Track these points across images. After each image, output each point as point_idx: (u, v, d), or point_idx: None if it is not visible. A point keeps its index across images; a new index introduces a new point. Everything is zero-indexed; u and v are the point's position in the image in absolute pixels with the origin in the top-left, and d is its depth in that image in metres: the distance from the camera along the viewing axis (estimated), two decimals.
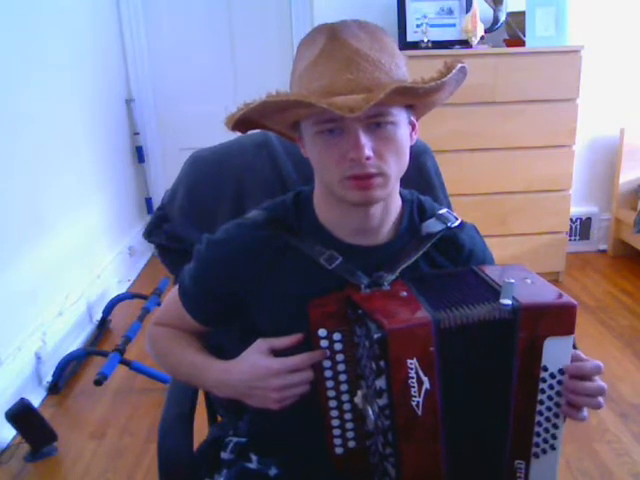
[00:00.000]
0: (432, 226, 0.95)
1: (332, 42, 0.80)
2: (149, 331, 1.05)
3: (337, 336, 0.85)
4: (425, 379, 0.77)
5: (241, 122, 0.85)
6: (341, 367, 0.86)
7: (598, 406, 0.83)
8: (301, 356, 0.85)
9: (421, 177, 1.17)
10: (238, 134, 0.93)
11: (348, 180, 0.81)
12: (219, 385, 0.92)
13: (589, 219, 3.64)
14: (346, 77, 0.77)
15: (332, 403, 0.87)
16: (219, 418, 1.30)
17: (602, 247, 3.68)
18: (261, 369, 0.86)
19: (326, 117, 0.79)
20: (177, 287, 1.02)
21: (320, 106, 0.74)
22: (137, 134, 3.74)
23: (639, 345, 2.56)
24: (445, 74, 0.78)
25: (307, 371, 0.85)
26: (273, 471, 1.01)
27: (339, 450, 0.89)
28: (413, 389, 0.76)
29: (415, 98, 0.81)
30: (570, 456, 1.86)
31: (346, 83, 0.76)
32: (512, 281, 0.80)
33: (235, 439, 1.08)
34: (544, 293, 0.85)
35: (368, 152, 0.79)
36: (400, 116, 0.83)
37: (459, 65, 0.80)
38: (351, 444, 0.89)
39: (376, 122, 0.80)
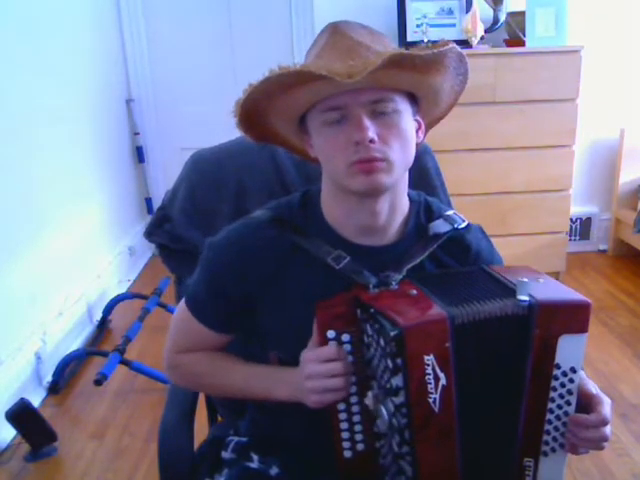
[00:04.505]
0: (439, 227, 0.95)
1: (334, 36, 0.83)
2: (170, 361, 1.02)
3: (346, 337, 0.84)
4: (442, 375, 0.76)
5: (249, 117, 0.85)
6: (350, 368, 0.85)
7: (600, 449, 0.84)
8: (331, 346, 0.83)
9: (422, 177, 1.17)
10: (239, 134, 0.93)
11: (354, 165, 0.81)
12: (293, 390, 0.89)
13: (589, 219, 3.64)
14: (347, 63, 0.77)
15: (340, 406, 0.86)
16: (219, 418, 1.30)
17: (602, 247, 3.68)
18: (302, 361, 0.86)
19: (331, 104, 0.80)
20: (180, 311, 0.99)
21: (319, 73, 0.74)
22: (137, 134, 3.74)
23: (639, 345, 2.56)
24: (441, 47, 0.78)
25: (338, 362, 0.83)
26: (274, 471, 1.01)
27: (348, 454, 0.87)
28: (430, 386, 0.76)
29: (415, 72, 0.80)
30: (570, 456, 1.84)
31: (348, 68, 0.76)
32: (525, 280, 0.81)
33: (236, 439, 1.08)
34: (558, 291, 0.85)
35: (371, 134, 0.79)
36: (403, 105, 0.84)
37: (456, 47, 0.80)
38: (360, 447, 0.87)
39: (380, 110, 0.81)
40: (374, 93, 0.80)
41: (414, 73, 0.81)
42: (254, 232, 0.93)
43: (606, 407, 0.83)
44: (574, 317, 0.81)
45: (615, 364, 2.41)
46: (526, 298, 0.80)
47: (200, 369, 1.00)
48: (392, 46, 0.86)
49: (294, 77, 0.77)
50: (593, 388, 0.85)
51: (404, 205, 0.94)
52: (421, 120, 0.90)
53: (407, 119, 0.85)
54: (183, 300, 0.99)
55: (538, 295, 0.81)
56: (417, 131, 0.88)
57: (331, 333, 0.84)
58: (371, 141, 0.80)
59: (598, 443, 0.83)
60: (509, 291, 0.82)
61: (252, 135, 0.89)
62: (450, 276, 0.92)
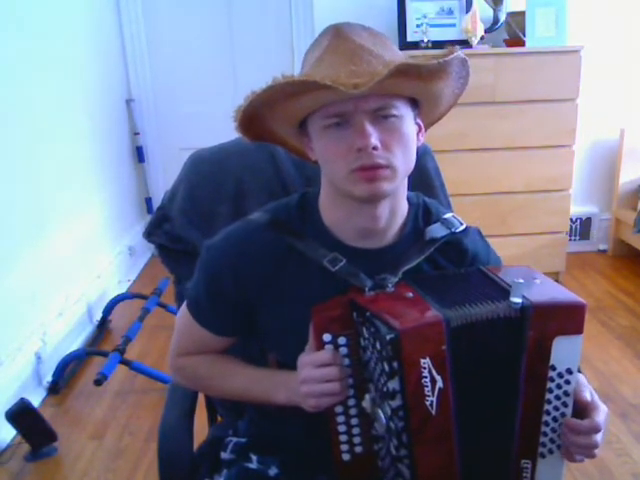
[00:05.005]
0: (436, 231, 0.94)
1: (337, 39, 0.82)
2: (173, 364, 1.03)
3: (342, 340, 0.84)
4: (438, 378, 0.76)
5: (249, 121, 0.84)
6: (347, 371, 0.85)
7: (591, 457, 0.84)
8: (326, 351, 0.83)
9: (421, 178, 1.17)
10: (239, 134, 0.92)
11: (355, 172, 0.81)
12: (291, 394, 0.89)
13: (589, 219, 3.64)
14: (350, 68, 0.77)
15: (338, 409, 0.86)
16: (219, 418, 1.30)
17: (602, 247, 3.68)
18: (299, 365, 0.86)
19: (333, 110, 0.80)
20: (182, 314, 1.00)
21: (324, 84, 0.73)
22: (137, 134, 3.74)
23: (639, 345, 2.56)
24: (447, 55, 0.79)
25: (333, 367, 0.83)
26: (273, 471, 1.01)
27: (346, 456, 0.87)
28: (427, 388, 0.76)
29: (419, 80, 0.80)
30: None
31: (350, 73, 0.76)
32: (521, 281, 0.80)
33: (235, 439, 1.08)
34: (553, 293, 0.85)
35: (375, 141, 0.79)
36: (404, 110, 0.83)
37: (460, 53, 0.80)
38: (358, 449, 0.87)
39: (382, 115, 0.81)
40: (377, 100, 0.80)
41: (419, 81, 0.81)
42: (251, 235, 0.92)
43: (600, 415, 0.83)
44: (569, 318, 0.80)
45: (615, 364, 2.41)
46: (519, 300, 0.79)
47: (201, 372, 1.00)
48: (395, 50, 0.85)
49: (298, 86, 0.77)
50: (589, 394, 0.85)
51: (403, 208, 0.94)
52: (421, 123, 0.90)
53: (409, 123, 0.84)
54: (185, 303, 0.99)
55: (533, 296, 0.80)
56: (417, 134, 0.88)
57: (327, 336, 0.84)
58: (374, 148, 0.79)
59: (588, 450, 0.83)
60: (504, 293, 0.82)
61: (249, 136, 0.89)
62: (446, 278, 0.92)
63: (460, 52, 0.81)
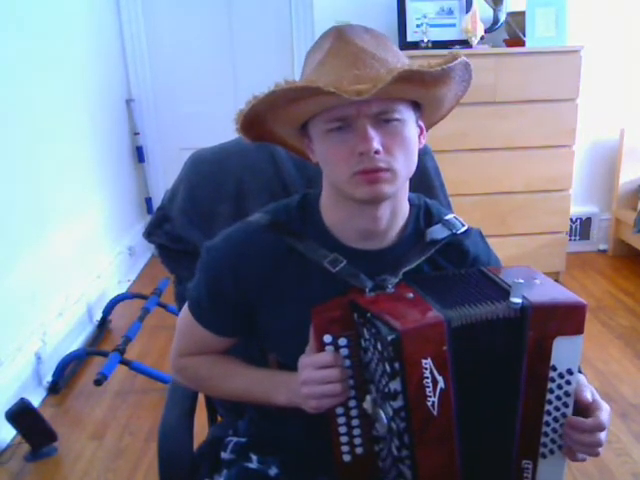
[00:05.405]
0: (437, 232, 0.94)
1: (339, 42, 0.81)
2: (175, 365, 1.03)
3: (343, 341, 0.84)
4: (440, 378, 0.76)
5: (250, 123, 0.84)
6: (348, 372, 0.85)
7: (595, 455, 0.84)
8: (327, 352, 0.83)
9: (421, 178, 1.17)
10: (241, 135, 0.92)
11: (357, 175, 0.81)
12: (291, 395, 0.89)
13: (589, 219, 3.64)
14: (353, 73, 0.77)
15: (339, 410, 0.86)
16: (219, 418, 1.30)
17: (602, 247, 3.68)
18: (299, 366, 0.86)
19: (336, 114, 0.80)
20: (184, 315, 1.00)
21: (327, 90, 0.73)
22: (137, 134, 3.74)
23: (639, 345, 2.57)
24: (450, 61, 0.78)
25: (334, 369, 0.83)
26: (273, 471, 1.01)
27: (347, 457, 0.87)
28: (428, 389, 0.76)
29: (422, 86, 0.81)
30: None
31: (353, 78, 0.76)
32: (521, 281, 0.80)
33: (235, 439, 1.08)
34: (554, 293, 0.85)
35: (376, 145, 0.79)
36: (407, 114, 0.83)
37: (463, 58, 0.80)
38: (359, 450, 0.87)
39: (384, 119, 0.81)
40: (380, 104, 0.79)
41: (422, 87, 0.81)
42: (251, 236, 0.92)
43: (604, 414, 0.83)
44: (569, 319, 0.80)
45: (615, 364, 2.41)
46: (518, 300, 0.80)
47: (203, 373, 1.00)
48: (397, 52, 0.85)
49: (301, 92, 0.77)
50: (590, 394, 0.84)
51: (404, 209, 0.94)
52: (422, 125, 0.90)
53: (410, 127, 0.84)
54: (186, 304, 1.00)
55: (533, 297, 0.80)
56: (419, 137, 0.88)
57: (328, 337, 0.84)
58: (376, 152, 0.79)
59: (592, 448, 0.83)
60: (504, 293, 0.82)
61: (249, 136, 0.89)
62: (446, 278, 0.92)
63: (463, 57, 0.80)
